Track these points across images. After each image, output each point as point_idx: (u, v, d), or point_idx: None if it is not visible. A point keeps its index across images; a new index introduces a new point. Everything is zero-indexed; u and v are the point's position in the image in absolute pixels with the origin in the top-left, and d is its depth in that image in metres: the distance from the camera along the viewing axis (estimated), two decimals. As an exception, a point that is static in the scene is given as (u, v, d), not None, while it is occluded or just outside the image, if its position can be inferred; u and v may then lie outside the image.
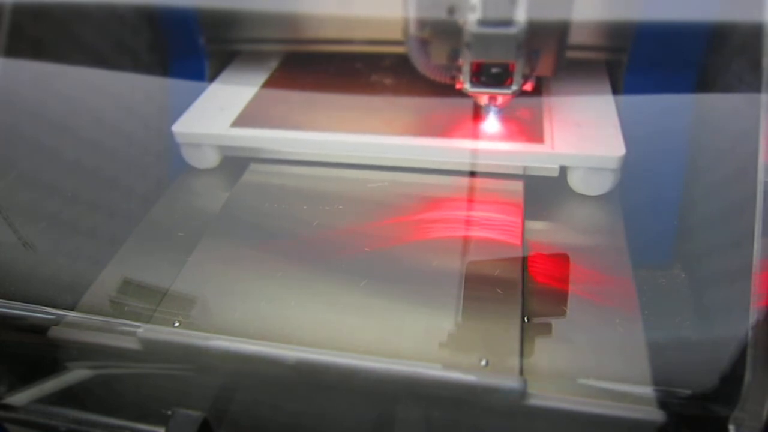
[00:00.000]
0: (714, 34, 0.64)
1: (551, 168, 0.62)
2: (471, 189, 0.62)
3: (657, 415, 0.40)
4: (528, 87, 0.60)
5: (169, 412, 0.44)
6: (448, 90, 0.62)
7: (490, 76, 0.57)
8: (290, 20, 0.79)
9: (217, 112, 0.70)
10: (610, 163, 0.59)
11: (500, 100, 0.61)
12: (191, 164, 0.70)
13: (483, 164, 0.63)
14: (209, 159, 0.69)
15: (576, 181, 0.61)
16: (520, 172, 0.62)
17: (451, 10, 0.54)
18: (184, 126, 0.68)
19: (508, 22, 0.52)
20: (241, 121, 0.68)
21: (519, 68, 0.56)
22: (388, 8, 0.67)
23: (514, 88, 0.58)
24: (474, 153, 0.62)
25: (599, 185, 0.61)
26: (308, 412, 0.48)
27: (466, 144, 0.62)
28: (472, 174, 0.63)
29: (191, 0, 0.76)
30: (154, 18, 0.79)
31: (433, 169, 0.64)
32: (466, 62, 0.57)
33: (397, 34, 0.60)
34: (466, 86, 0.59)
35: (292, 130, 0.66)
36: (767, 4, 0.46)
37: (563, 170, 0.62)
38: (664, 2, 0.62)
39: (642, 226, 0.59)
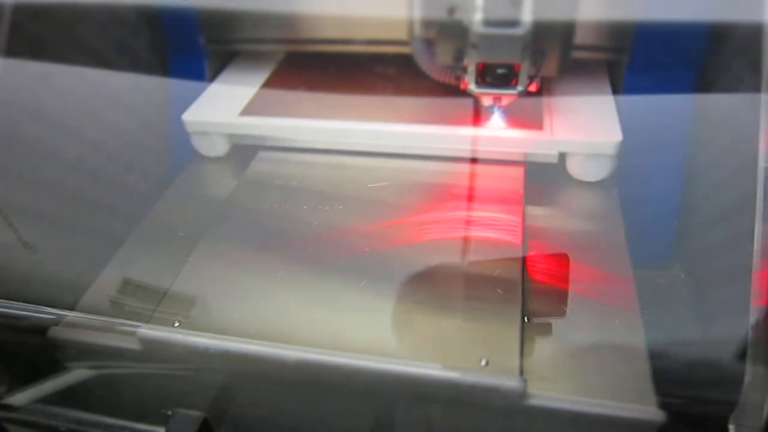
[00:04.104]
0: (714, 34, 0.64)
1: (550, 154, 0.63)
2: (473, 175, 0.63)
3: (657, 415, 0.40)
4: (533, 88, 0.60)
5: (169, 412, 0.44)
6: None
7: (496, 76, 0.57)
8: (290, 20, 0.79)
9: (226, 102, 0.71)
10: (608, 149, 0.60)
11: (505, 100, 0.61)
12: (201, 153, 0.71)
13: (484, 151, 0.64)
14: (218, 147, 0.71)
15: (574, 167, 0.63)
16: (520, 158, 0.64)
17: (455, 11, 0.54)
18: (194, 114, 0.70)
19: (514, 23, 0.52)
20: (249, 109, 0.70)
21: (525, 69, 0.56)
22: (388, 8, 0.67)
23: (520, 88, 0.58)
24: (475, 140, 0.63)
25: (597, 171, 0.62)
26: (308, 412, 0.48)
27: (468, 131, 0.63)
28: (474, 161, 0.64)
29: (191, 0, 0.77)
30: (154, 18, 0.79)
31: (436, 156, 0.65)
32: (471, 63, 0.57)
33: (397, 34, 0.60)
34: (472, 87, 0.59)
35: (300, 118, 0.67)
36: (767, 4, 0.46)
37: (562, 157, 0.63)
38: (664, 2, 0.62)
39: (642, 226, 0.59)
